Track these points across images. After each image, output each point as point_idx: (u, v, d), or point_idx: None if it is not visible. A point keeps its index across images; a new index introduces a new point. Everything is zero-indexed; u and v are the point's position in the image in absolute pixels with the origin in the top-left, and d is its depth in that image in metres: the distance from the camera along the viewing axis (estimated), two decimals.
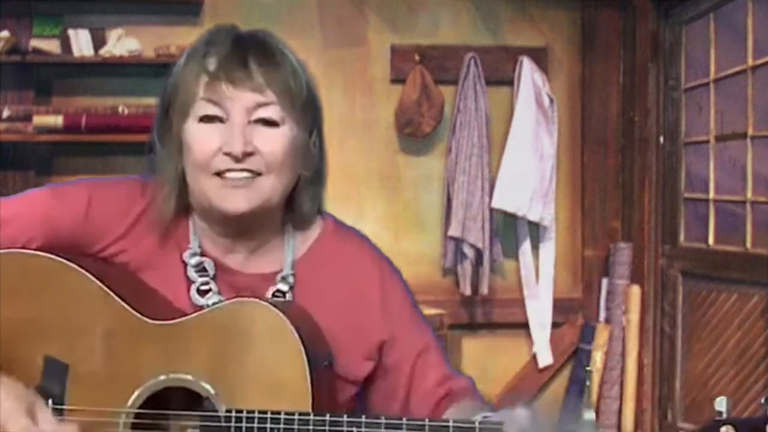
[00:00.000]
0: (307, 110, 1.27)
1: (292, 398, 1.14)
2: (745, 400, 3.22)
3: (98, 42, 3.62)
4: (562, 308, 4.01)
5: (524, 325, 3.96)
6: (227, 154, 1.21)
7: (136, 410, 1.18)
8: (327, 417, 1.12)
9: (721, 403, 1.04)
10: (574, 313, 4.04)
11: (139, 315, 1.20)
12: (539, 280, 3.98)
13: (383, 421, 1.11)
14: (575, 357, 4.03)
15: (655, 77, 3.83)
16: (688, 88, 3.73)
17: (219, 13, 3.82)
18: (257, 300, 1.19)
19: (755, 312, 3.20)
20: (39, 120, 3.55)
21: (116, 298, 1.20)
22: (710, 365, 3.47)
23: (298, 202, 1.30)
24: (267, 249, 1.31)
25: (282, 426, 1.12)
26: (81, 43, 3.60)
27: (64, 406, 1.19)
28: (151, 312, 1.21)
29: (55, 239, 1.24)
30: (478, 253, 3.80)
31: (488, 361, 4.01)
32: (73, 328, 1.20)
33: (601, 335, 3.90)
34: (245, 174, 1.21)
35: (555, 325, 4.00)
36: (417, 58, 3.87)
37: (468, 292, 3.82)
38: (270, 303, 1.18)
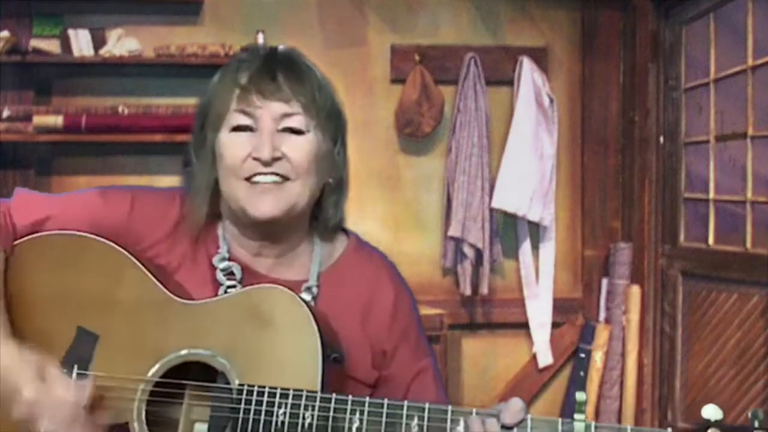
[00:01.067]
0: (331, 120, 1.36)
1: (301, 380, 1.19)
2: (745, 400, 3.22)
3: (98, 42, 3.62)
4: (562, 308, 4.01)
5: (524, 325, 3.96)
6: (256, 159, 1.29)
7: (153, 379, 1.23)
8: (333, 396, 1.17)
9: (707, 411, 1.06)
10: (574, 313, 4.05)
11: (168, 293, 1.27)
12: (539, 280, 3.98)
13: (385, 402, 1.15)
14: (575, 357, 4.03)
15: (655, 77, 3.83)
16: (688, 88, 3.73)
17: (219, 13, 3.82)
18: (280, 286, 1.25)
19: (755, 312, 3.20)
20: (39, 120, 3.55)
21: (149, 275, 1.28)
22: (710, 365, 3.47)
23: (323, 210, 1.39)
24: (293, 256, 1.39)
25: (290, 401, 1.17)
26: (81, 43, 3.60)
27: (87, 372, 1.25)
28: (181, 295, 1.29)
29: (99, 235, 1.31)
30: (478, 253, 3.81)
31: (488, 361, 4.01)
32: (107, 302, 1.28)
33: (601, 335, 3.90)
34: (274, 178, 1.30)
35: (555, 325, 4.00)
36: (417, 58, 3.87)
37: (468, 292, 3.83)
38: (292, 291, 1.25)
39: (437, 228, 3.95)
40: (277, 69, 1.32)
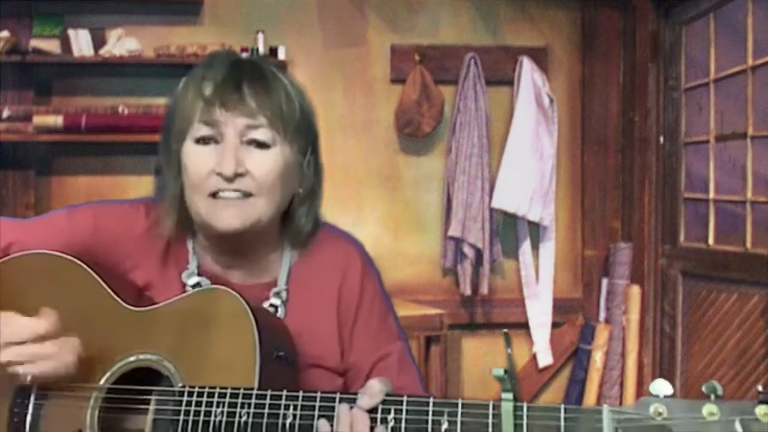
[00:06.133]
0: (300, 132, 1.32)
1: (241, 379, 1.18)
2: (746, 400, 3.21)
3: (98, 42, 3.62)
4: (562, 308, 4.02)
5: (524, 325, 3.97)
6: (219, 174, 1.26)
7: (105, 386, 1.24)
8: (268, 392, 1.16)
9: (656, 386, 1.00)
10: (574, 313, 4.05)
11: (121, 301, 1.27)
12: (539, 280, 3.98)
13: (318, 394, 1.15)
14: (575, 357, 4.03)
15: (655, 77, 3.83)
16: (688, 88, 3.73)
17: (219, 13, 3.82)
18: (223, 287, 1.25)
19: (755, 312, 3.20)
20: (39, 120, 3.55)
21: (104, 285, 1.28)
22: (710, 365, 3.47)
23: (294, 219, 1.36)
24: (265, 264, 1.37)
25: (227, 400, 1.17)
26: (81, 43, 3.60)
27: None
28: (143, 304, 1.28)
29: (77, 257, 1.31)
30: (478, 253, 3.81)
31: (488, 361, 4.01)
32: (67, 314, 1.27)
33: (601, 335, 3.90)
34: (237, 194, 1.27)
35: (555, 325, 4.00)
36: (417, 58, 3.87)
37: (468, 292, 3.83)
38: (234, 291, 1.23)
39: (437, 228, 3.95)
40: (243, 79, 1.27)
